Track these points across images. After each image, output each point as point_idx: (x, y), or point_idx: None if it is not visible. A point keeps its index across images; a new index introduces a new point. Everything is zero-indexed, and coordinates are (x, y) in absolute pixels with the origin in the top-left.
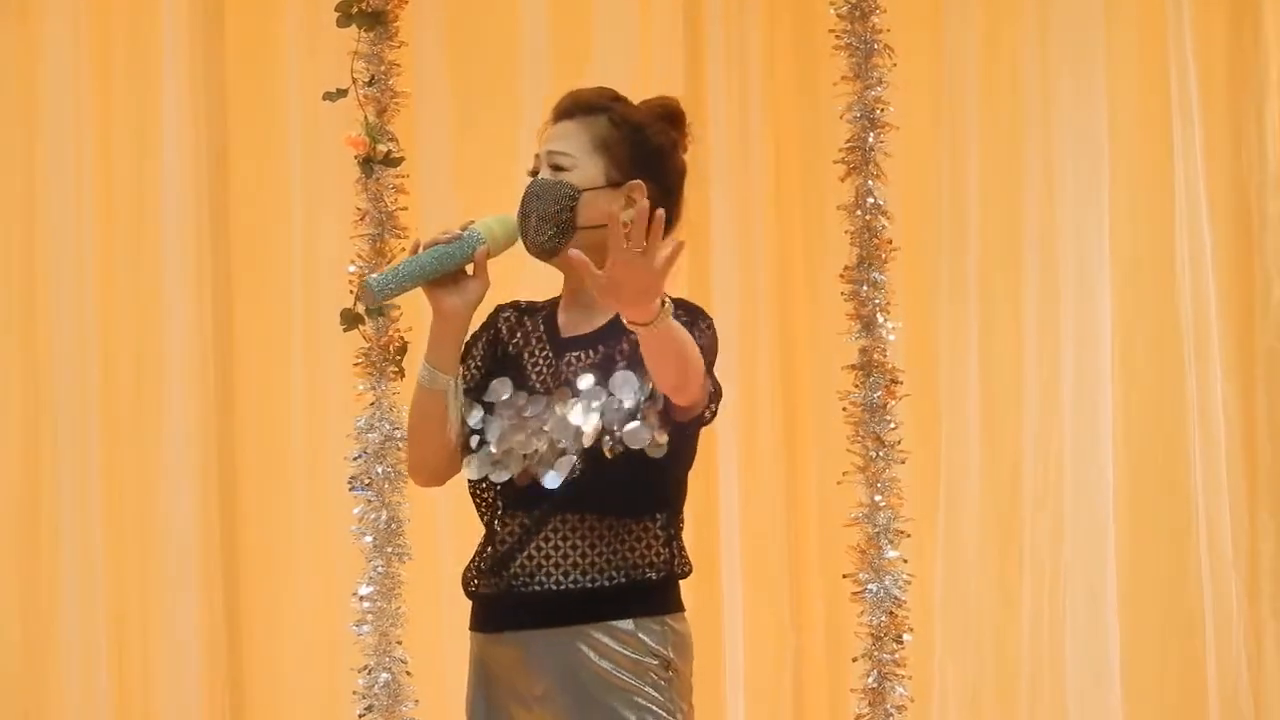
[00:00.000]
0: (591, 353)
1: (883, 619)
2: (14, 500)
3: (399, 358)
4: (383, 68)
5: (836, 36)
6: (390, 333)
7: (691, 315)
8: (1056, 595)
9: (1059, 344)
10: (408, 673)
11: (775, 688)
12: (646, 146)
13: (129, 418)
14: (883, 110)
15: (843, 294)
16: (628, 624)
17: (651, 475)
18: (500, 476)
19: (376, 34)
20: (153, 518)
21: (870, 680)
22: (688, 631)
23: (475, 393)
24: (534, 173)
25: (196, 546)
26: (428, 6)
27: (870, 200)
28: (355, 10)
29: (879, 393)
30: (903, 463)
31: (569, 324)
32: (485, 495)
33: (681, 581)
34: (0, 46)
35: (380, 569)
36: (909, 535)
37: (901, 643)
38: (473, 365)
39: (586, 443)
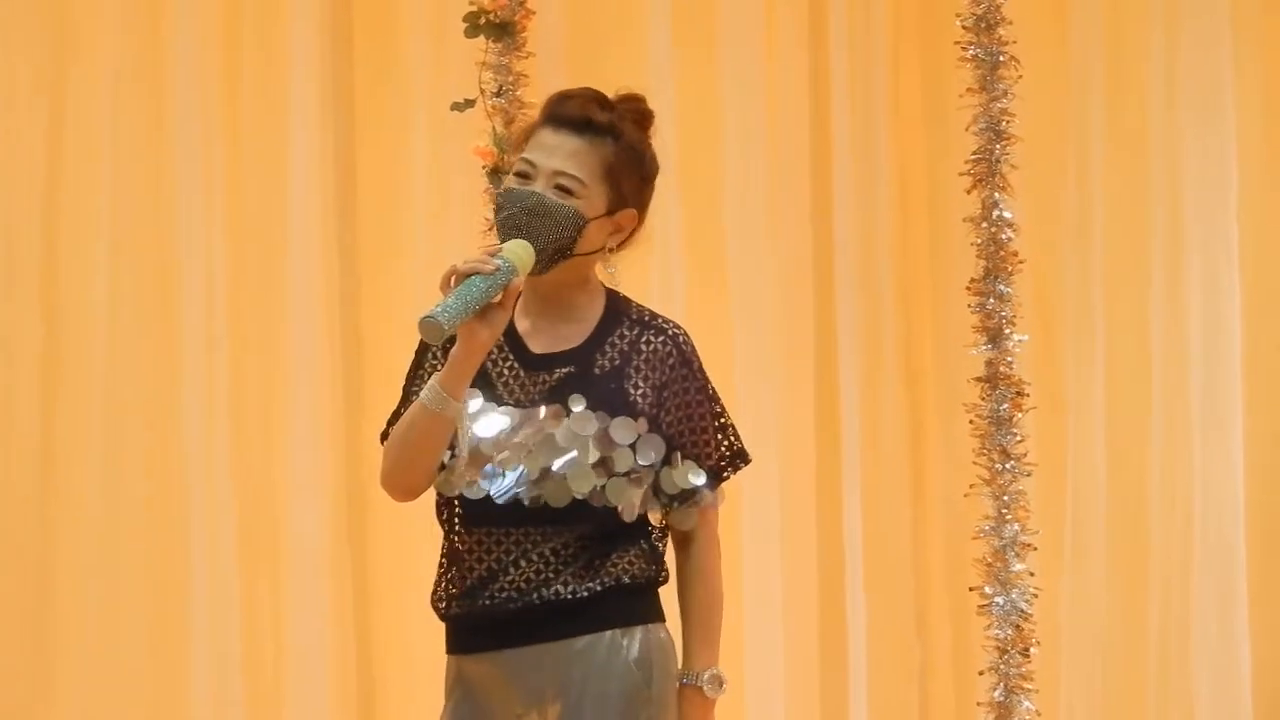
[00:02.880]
0: (574, 368)
1: (1009, 632)
2: (143, 501)
3: None
4: (510, 78)
5: (963, 48)
6: None
7: (681, 371)
8: (1185, 608)
9: (1186, 355)
10: None
11: (901, 701)
12: (644, 174)
13: (257, 422)
14: (1009, 122)
15: (969, 306)
16: (609, 634)
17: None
18: (476, 493)
19: (504, 44)
20: (282, 518)
21: (997, 694)
22: (669, 640)
23: None
24: (521, 175)
25: (327, 546)
26: (554, 18)
27: (996, 213)
28: (483, 21)
29: (1005, 405)
30: (1029, 475)
31: (537, 339)
32: (457, 511)
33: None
34: (132, 61)
35: None
36: (1035, 548)
37: (1028, 656)
38: (426, 375)
39: (574, 472)
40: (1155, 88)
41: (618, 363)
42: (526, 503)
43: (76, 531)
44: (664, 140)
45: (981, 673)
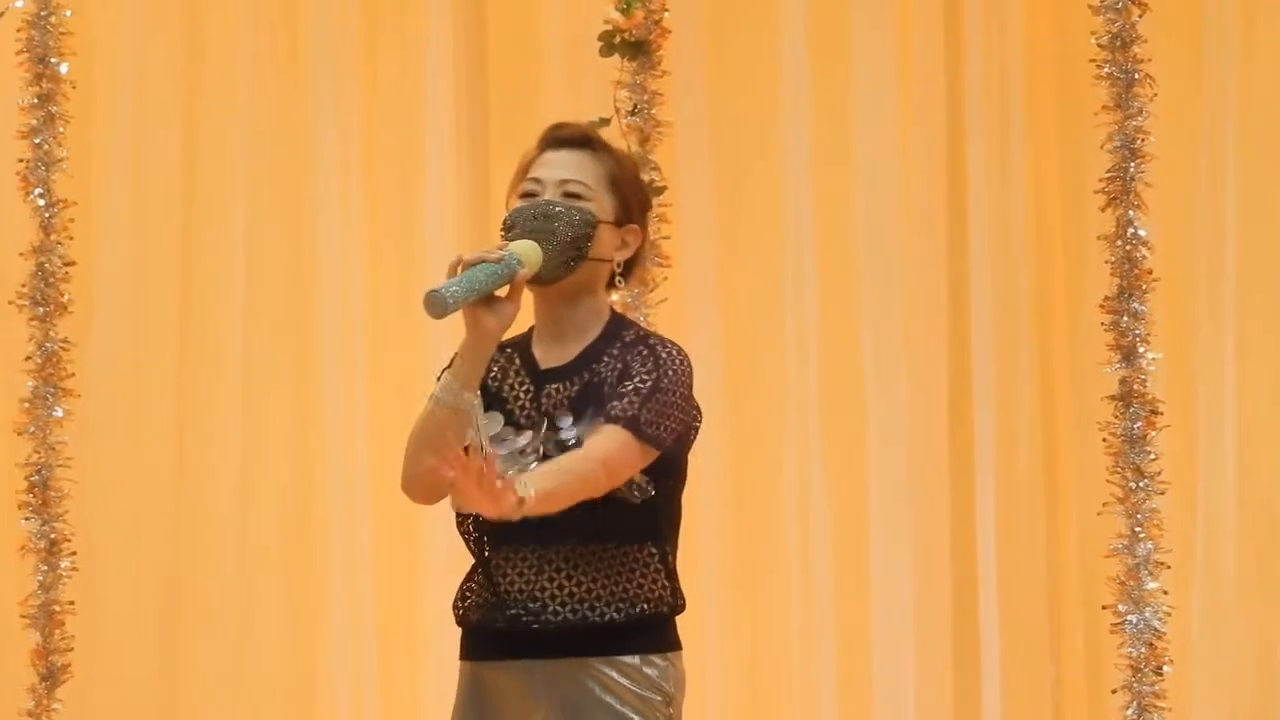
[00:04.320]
0: (569, 384)
1: (1143, 650)
2: (283, 511)
3: None
4: (645, 97)
5: (1098, 66)
6: None
7: (644, 360)
8: None
9: None
10: None
11: (1035, 719)
12: (643, 193)
13: (394, 431)
14: (1144, 140)
15: (1103, 325)
16: (634, 659)
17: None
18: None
19: (639, 63)
20: (417, 524)
21: (1130, 712)
22: (684, 669)
23: None
24: (528, 195)
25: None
26: (690, 36)
27: (1131, 231)
28: (618, 40)
29: (1139, 424)
30: (1162, 494)
31: (545, 355)
32: (475, 528)
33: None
34: (271, 91)
35: None
36: (1169, 567)
37: (1161, 675)
38: None
39: None
40: None
41: (604, 377)
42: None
43: (211, 531)
44: (800, 157)
45: (1115, 691)
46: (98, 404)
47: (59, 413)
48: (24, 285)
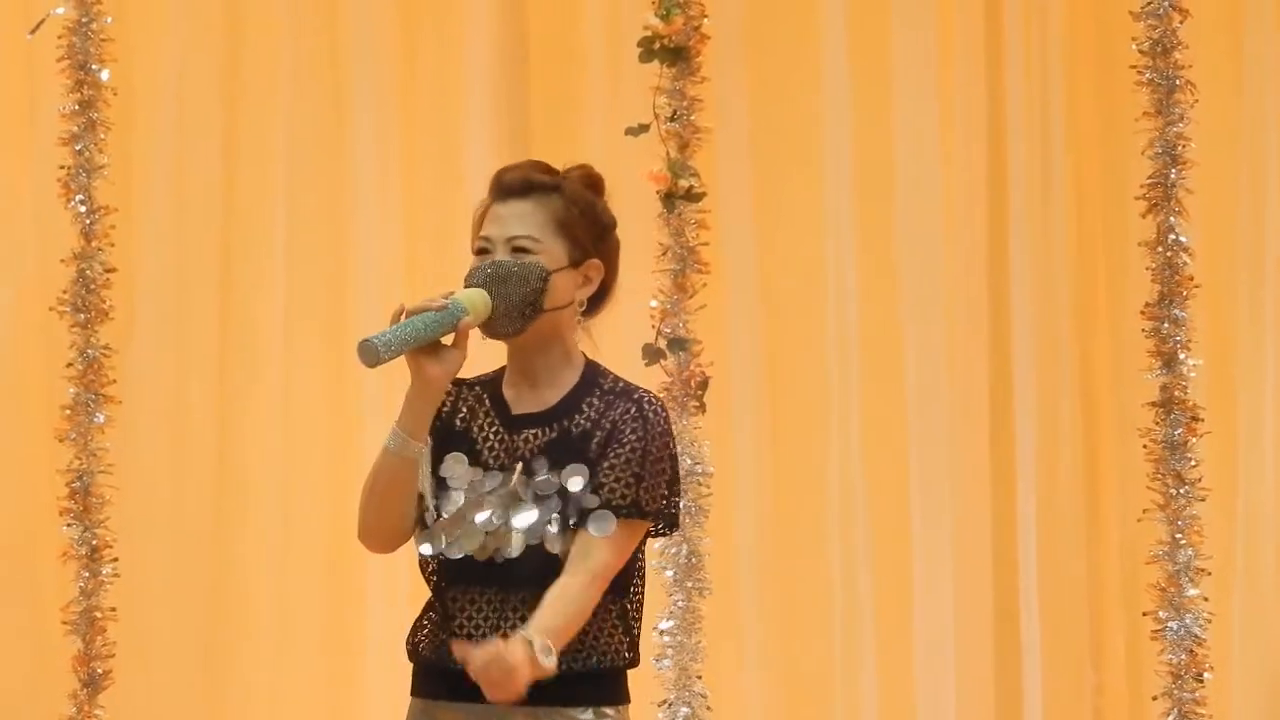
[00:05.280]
0: (546, 430)
1: (1183, 657)
2: (324, 517)
3: (700, 392)
4: (685, 103)
5: (1139, 72)
6: (692, 367)
7: (632, 423)
8: None
9: None
10: (708, 708)
11: None
12: (599, 224)
13: None
14: (1185, 147)
15: (1144, 331)
16: (586, 712)
17: None
18: (454, 553)
19: (679, 69)
20: None
21: (1171, 719)
22: None
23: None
24: (481, 252)
25: None
26: (729, 42)
27: (1172, 237)
28: (658, 46)
29: (1180, 430)
30: (1203, 500)
31: (518, 400)
32: (438, 570)
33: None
34: (311, 96)
35: (681, 603)
36: (1210, 573)
37: (1202, 681)
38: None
39: (532, 526)
40: None
41: (585, 428)
42: (479, 556)
43: (251, 538)
44: (840, 162)
45: (1155, 698)
46: (139, 410)
47: (100, 419)
48: (65, 292)
